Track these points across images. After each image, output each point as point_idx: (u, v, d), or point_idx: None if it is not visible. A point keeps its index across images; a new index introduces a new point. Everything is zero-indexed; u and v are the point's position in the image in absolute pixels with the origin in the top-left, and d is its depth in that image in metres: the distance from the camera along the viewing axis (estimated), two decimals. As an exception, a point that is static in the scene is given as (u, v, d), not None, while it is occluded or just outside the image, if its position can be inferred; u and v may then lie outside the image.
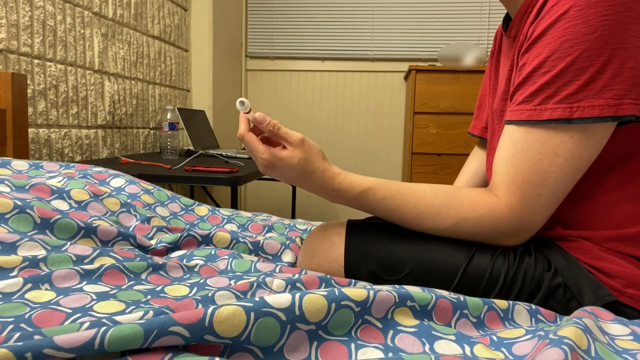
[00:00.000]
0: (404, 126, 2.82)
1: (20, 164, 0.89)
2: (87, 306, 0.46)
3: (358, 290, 0.46)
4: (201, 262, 0.69)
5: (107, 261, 0.60)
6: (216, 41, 2.44)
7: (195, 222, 0.92)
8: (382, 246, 0.67)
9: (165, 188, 1.33)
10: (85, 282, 0.53)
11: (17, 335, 0.36)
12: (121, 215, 0.79)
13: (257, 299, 0.42)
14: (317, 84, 2.95)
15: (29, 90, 1.36)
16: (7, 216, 0.63)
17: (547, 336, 0.44)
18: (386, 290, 0.48)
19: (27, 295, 0.48)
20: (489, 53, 1.82)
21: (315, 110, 2.97)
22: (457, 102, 2.39)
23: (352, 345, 0.43)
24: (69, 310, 0.45)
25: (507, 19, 0.77)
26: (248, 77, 3.00)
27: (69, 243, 0.62)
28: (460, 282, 0.63)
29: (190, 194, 2.46)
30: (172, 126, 1.78)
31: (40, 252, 0.58)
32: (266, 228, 0.96)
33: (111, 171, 0.94)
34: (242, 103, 0.66)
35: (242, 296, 0.51)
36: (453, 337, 0.46)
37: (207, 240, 0.79)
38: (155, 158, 1.74)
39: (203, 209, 0.98)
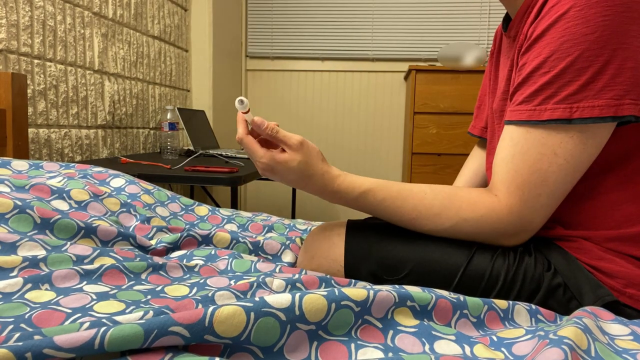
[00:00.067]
0: (404, 126, 2.82)
1: (20, 164, 0.89)
2: (87, 306, 0.46)
3: (358, 290, 0.46)
4: (201, 262, 0.69)
5: (107, 261, 0.60)
6: (216, 41, 2.44)
7: (195, 222, 0.92)
8: (382, 246, 0.67)
9: (165, 188, 1.33)
10: (85, 282, 0.53)
11: (17, 335, 0.36)
12: (121, 216, 0.79)
13: (257, 299, 0.42)
14: (317, 84, 2.95)
15: (29, 90, 1.36)
16: (7, 216, 0.63)
17: (547, 336, 0.44)
18: (386, 290, 0.48)
19: (27, 295, 0.48)
20: (489, 53, 1.82)
21: (315, 110, 2.97)
22: (457, 102, 2.39)
23: (352, 345, 0.43)
24: (69, 310, 0.45)
25: (507, 19, 0.77)
26: (248, 77, 3.00)
27: (69, 243, 0.62)
28: (460, 282, 0.63)
29: (190, 194, 2.46)
30: (172, 126, 1.78)
31: (40, 252, 0.58)
32: (266, 228, 0.96)
33: (111, 171, 0.94)
34: (241, 102, 0.66)
35: (242, 296, 0.51)
36: (453, 337, 0.46)
37: (207, 240, 0.79)
38: (155, 158, 1.74)
39: (203, 209, 0.98)
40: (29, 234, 0.62)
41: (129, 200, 0.84)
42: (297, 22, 2.89)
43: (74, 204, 0.75)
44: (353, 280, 0.62)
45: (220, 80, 2.53)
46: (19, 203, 0.64)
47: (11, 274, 0.52)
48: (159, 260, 0.63)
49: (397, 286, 0.52)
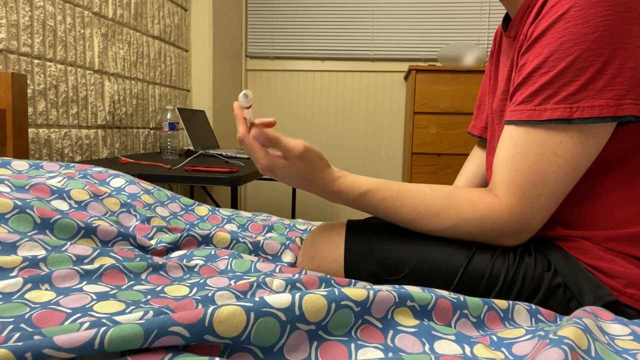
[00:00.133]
0: (404, 126, 2.82)
1: (20, 164, 0.89)
2: (87, 306, 0.46)
3: (358, 290, 0.46)
4: (201, 262, 0.69)
5: (107, 261, 0.60)
6: (216, 41, 2.44)
7: (195, 222, 0.92)
8: (382, 246, 0.67)
9: (165, 188, 1.33)
10: (85, 282, 0.53)
11: (17, 335, 0.36)
12: (121, 215, 0.79)
13: (257, 299, 0.42)
14: (317, 84, 2.95)
15: (29, 90, 1.36)
16: (7, 216, 0.63)
17: (547, 336, 0.44)
18: (386, 290, 0.48)
19: (27, 295, 0.48)
20: (489, 53, 1.82)
21: (315, 110, 2.97)
22: (457, 102, 2.39)
23: (352, 345, 0.43)
24: (69, 311, 0.45)
25: (507, 19, 0.77)
26: (248, 77, 3.00)
27: (69, 243, 0.62)
28: (460, 282, 0.63)
29: (190, 194, 2.46)
30: (172, 126, 1.78)
31: (40, 252, 0.58)
32: (266, 228, 0.96)
33: (111, 171, 0.94)
34: (245, 96, 0.63)
35: (242, 296, 0.51)
36: (453, 337, 0.46)
37: (207, 240, 0.79)
38: (155, 158, 1.74)
39: (203, 209, 0.98)
40: (29, 234, 0.62)
41: (129, 200, 0.84)
42: (297, 22, 2.89)
43: (74, 204, 0.75)
44: (353, 280, 0.62)
45: (220, 80, 2.53)
46: (19, 203, 0.64)
47: (11, 274, 0.52)
48: (159, 260, 0.63)
49: (397, 286, 0.52)
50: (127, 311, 0.46)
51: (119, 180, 0.90)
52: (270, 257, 0.80)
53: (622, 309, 0.59)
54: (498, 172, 0.62)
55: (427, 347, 0.45)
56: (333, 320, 0.44)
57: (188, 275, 0.62)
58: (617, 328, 0.50)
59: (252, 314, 0.40)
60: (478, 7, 2.74)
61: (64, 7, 1.49)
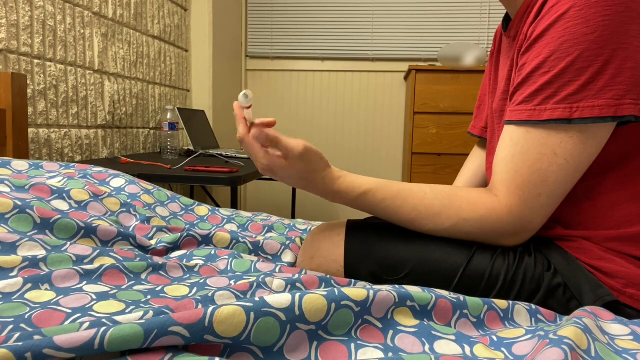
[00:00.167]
0: (404, 126, 2.82)
1: (20, 164, 0.89)
2: (87, 306, 0.46)
3: (358, 290, 0.46)
4: (201, 262, 0.69)
5: (107, 261, 0.60)
6: (216, 41, 2.44)
7: (195, 222, 0.92)
8: (382, 246, 0.67)
9: (165, 188, 1.33)
10: (85, 282, 0.53)
11: (17, 335, 0.36)
12: (121, 215, 0.79)
13: (257, 299, 0.42)
14: (317, 84, 2.95)
15: (29, 90, 1.36)
16: (7, 216, 0.63)
17: (547, 336, 0.44)
18: (386, 290, 0.48)
19: (27, 296, 0.48)
20: (489, 53, 1.82)
21: (315, 110, 2.97)
22: (457, 102, 2.39)
23: (352, 345, 0.43)
24: (69, 311, 0.45)
25: (507, 19, 0.77)
26: (248, 77, 3.00)
27: (69, 243, 0.62)
28: (460, 282, 0.63)
29: (190, 194, 2.46)
30: (172, 126, 1.78)
31: (40, 252, 0.58)
32: (266, 228, 0.96)
33: (111, 171, 0.94)
34: (245, 96, 0.63)
35: (242, 296, 0.51)
36: (453, 337, 0.46)
37: (207, 240, 0.79)
38: (155, 158, 1.74)
39: (203, 209, 0.98)
40: (29, 234, 0.62)
41: (129, 200, 0.84)
42: (297, 22, 2.89)
43: (74, 204, 0.75)
44: (353, 280, 0.62)
45: (220, 80, 2.53)
46: (19, 203, 0.64)
47: (11, 274, 0.52)
48: (159, 260, 0.63)
49: (397, 286, 0.52)
50: (127, 311, 0.46)
51: (119, 180, 0.90)
52: (270, 257, 0.80)
53: (622, 309, 0.59)
54: (498, 172, 0.62)
55: (427, 347, 0.45)
56: (333, 320, 0.44)
57: (188, 275, 0.62)
58: (617, 328, 0.50)
59: (252, 314, 0.40)
60: (478, 7, 2.74)
61: (64, 7, 1.49)
